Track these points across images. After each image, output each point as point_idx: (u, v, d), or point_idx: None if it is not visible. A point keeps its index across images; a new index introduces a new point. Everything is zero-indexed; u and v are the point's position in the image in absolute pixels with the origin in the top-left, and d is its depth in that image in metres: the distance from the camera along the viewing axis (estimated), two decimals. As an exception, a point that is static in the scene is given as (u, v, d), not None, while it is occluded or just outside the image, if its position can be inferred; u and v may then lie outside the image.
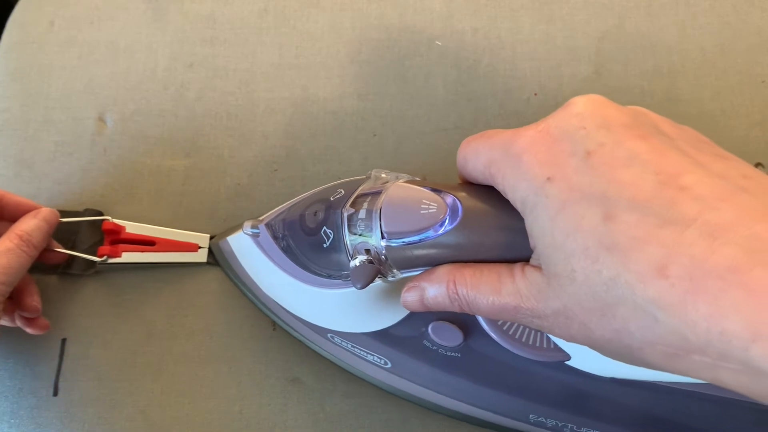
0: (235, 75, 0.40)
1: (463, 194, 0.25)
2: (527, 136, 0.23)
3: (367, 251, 0.26)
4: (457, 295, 0.24)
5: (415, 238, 0.25)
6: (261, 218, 0.33)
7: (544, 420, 0.31)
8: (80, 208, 0.37)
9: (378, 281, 0.27)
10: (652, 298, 0.19)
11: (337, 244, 0.28)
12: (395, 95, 0.40)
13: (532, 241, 0.23)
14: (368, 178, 0.29)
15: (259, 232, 0.32)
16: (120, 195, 0.38)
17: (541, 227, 0.22)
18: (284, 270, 0.31)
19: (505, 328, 0.29)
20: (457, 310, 0.25)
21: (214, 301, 0.36)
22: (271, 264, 0.32)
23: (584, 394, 0.30)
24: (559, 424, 0.31)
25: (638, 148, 0.21)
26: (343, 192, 0.29)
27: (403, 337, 0.31)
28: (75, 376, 0.35)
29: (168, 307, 0.36)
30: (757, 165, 0.38)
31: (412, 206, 0.25)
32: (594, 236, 0.20)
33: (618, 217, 0.20)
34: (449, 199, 0.25)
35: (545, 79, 0.40)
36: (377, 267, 0.26)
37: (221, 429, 0.34)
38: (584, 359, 0.29)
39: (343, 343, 0.32)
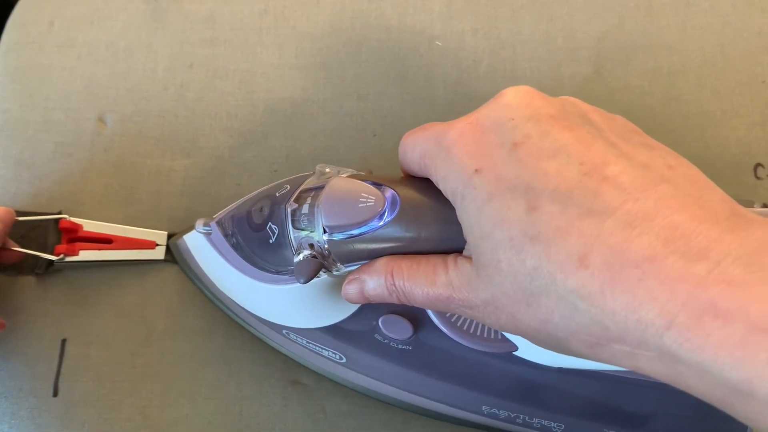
0: (234, 75, 0.40)
1: (402, 187, 0.25)
2: (458, 128, 0.23)
3: (311, 246, 0.26)
4: (395, 286, 0.25)
5: (356, 231, 0.25)
6: (214, 216, 0.33)
7: (497, 411, 0.31)
8: (80, 209, 0.37)
9: (324, 276, 0.27)
10: (572, 288, 0.19)
11: (283, 239, 0.28)
12: (395, 96, 0.40)
13: (462, 232, 0.23)
14: (314, 173, 0.29)
15: (211, 230, 0.33)
16: (120, 195, 0.38)
17: (469, 218, 0.22)
18: (236, 267, 0.32)
19: (453, 320, 0.30)
20: (395, 301, 0.25)
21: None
22: (223, 261, 0.32)
23: (533, 384, 0.30)
24: (512, 415, 0.31)
25: (564, 139, 0.21)
26: (288, 187, 0.29)
27: (355, 332, 0.32)
28: (75, 377, 0.35)
29: (167, 308, 0.36)
30: (757, 165, 0.38)
31: (350, 200, 0.25)
32: (518, 227, 0.20)
33: (541, 208, 0.20)
34: (388, 192, 0.25)
35: (545, 79, 0.40)
36: (320, 261, 0.26)
37: (221, 430, 0.34)
38: (531, 349, 0.29)
39: (298, 339, 0.32)
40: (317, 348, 0.32)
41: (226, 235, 0.32)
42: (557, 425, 0.31)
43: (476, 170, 0.22)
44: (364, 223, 0.25)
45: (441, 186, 0.23)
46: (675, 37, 0.41)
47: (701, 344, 0.17)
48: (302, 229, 0.26)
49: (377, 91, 0.40)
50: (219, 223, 0.32)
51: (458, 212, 0.23)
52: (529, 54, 0.40)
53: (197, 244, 0.34)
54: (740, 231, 0.18)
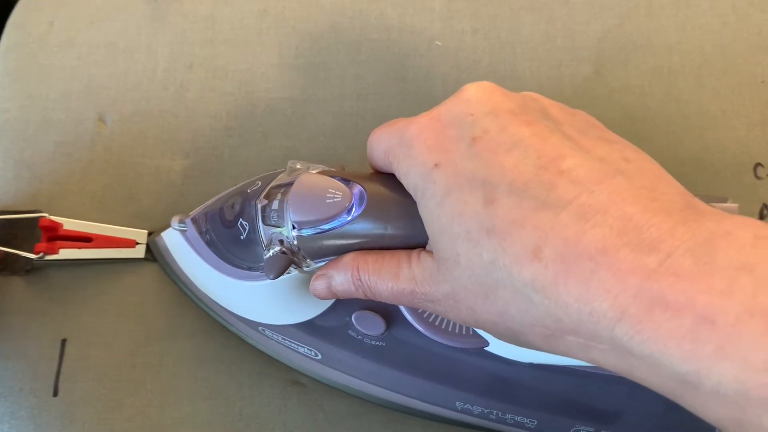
0: (234, 75, 0.40)
1: (369, 183, 0.25)
2: (419, 123, 0.23)
3: (281, 242, 0.26)
4: (360, 281, 0.25)
5: (324, 226, 0.25)
6: (190, 213, 0.33)
7: (470, 407, 0.31)
8: (80, 209, 0.37)
9: (294, 272, 0.27)
10: (527, 281, 0.19)
11: (254, 235, 0.28)
12: (395, 95, 0.40)
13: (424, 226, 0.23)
14: (285, 170, 0.29)
15: (186, 227, 0.33)
16: (119, 195, 0.38)
17: (429, 213, 0.22)
18: (210, 264, 0.32)
19: (425, 316, 0.30)
20: (362, 296, 0.26)
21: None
22: (198, 259, 0.32)
23: (505, 380, 0.30)
24: (485, 411, 0.31)
25: (521, 134, 0.21)
26: (260, 184, 0.29)
27: (329, 328, 0.32)
28: (75, 377, 0.35)
29: (168, 309, 0.36)
30: (757, 165, 0.38)
31: (318, 195, 0.25)
32: (475, 220, 0.21)
33: (498, 201, 0.20)
34: (356, 188, 0.25)
35: (545, 79, 0.40)
36: (290, 257, 0.26)
37: (221, 430, 0.34)
38: (501, 345, 0.29)
39: (274, 335, 0.32)
40: (293, 345, 0.32)
41: (200, 232, 0.32)
42: (530, 421, 0.31)
43: (435, 165, 0.22)
44: (332, 218, 0.25)
45: (403, 181, 0.24)
46: (675, 37, 0.41)
47: (651, 336, 0.17)
48: (272, 225, 0.27)
49: (377, 91, 0.40)
50: (194, 220, 0.32)
51: (419, 207, 0.23)
52: (529, 54, 0.40)
53: (174, 241, 0.34)
54: (692, 222, 0.18)
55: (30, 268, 0.36)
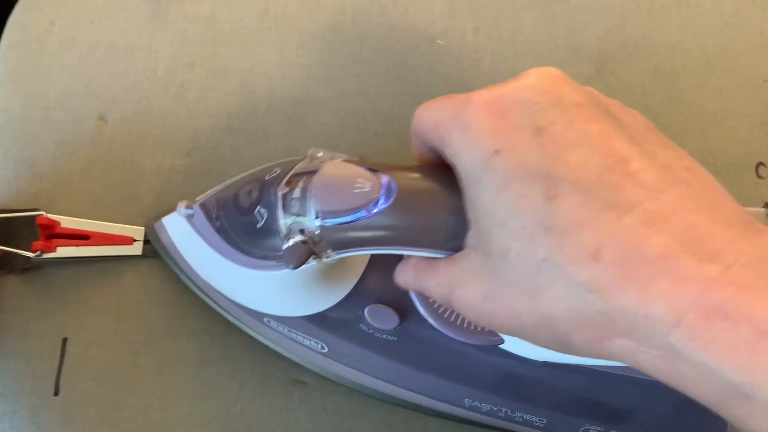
0: (235, 75, 0.40)
1: (399, 174, 0.24)
2: (478, 102, 0.22)
3: (302, 231, 0.25)
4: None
5: (349, 218, 0.24)
6: (197, 198, 0.32)
7: (479, 405, 0.31)
8: (81, 208, 0.37)
9: (313, 262, 0.26)
10: (582, 281, 0.19)
11: (271, 224, 0.27)
12: (396, 95, 0.40)
13: (471, 215, 0.22)
14: (305, 157, 0.28)
15: (193, 213, 0.31)
16: (120, 195, 0.38)
17: (483, 202, 0.21)
18: (218, 251, 0.30)
19: (440, 311, 0.29)
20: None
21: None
22: (205, 246, 0.31)
23: (518, 378, 0.30)
24: (494, 409, 0.31)
25: (589, 130, 0.21)
26: (279, 171, 0.28)
27: (340, 320, 0.31)
28: (75, 376, 0.35)
29: (169, 307, 0.36)
30: (759, 164, 0.38)
31: (345, 185, 0.24)
32: (534, 216, 0.20)
33: (560, 198, 0.20)
34: (384, 178, 0.24)
35: (546, 78, 0.40)
36: (310, 247, 0.25)
37: (222, 429, 0.34)
38: (517, 343, 0.29)
39: (279, 327, 0.32)
40: (298, 337, 0.32)
41: (210, 218, 0.31)
42: (539, 419, 0.31)
43: (496, 151, 0.21)
44: (359, 209, 0.24)
45: (455, 161, 0.23)
46: (676, 37, 0.41)
47: (706, 344, 0.17)
48: (293, 214, 0.25)
49: (378, 90, 0.40)
50: (203, 206, 0.31)
51: (470, 193, 0.22)
52: (531, 53, 0.40)
53: (178, 227, 0.33)
54: (752, 237, 0.18)
55: (28, 267, 0.36)
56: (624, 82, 0.40)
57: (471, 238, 0.23)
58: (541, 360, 0.29)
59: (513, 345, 0.29)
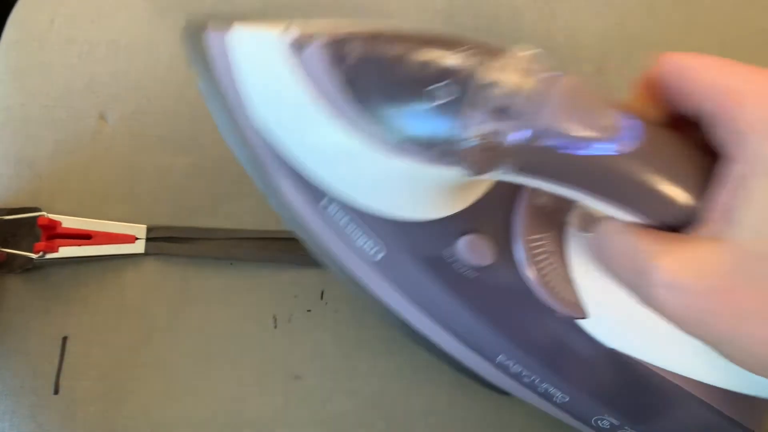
0: (236, 73, 0.40)
1: (648, 121, 0.21)
2: None
3: (495, 134, 0.21)
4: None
5: (579, 149, 0.21)
6: (309, 29, 0.25)
7: (510, 364, 0.28)
8: (81, 207, 0.37)
9: (454, 169, 0.22)
10: None
11: (452, 113, 0.22)
12: (397, 94, 0.40)
13: (725, 200, 0.20)
14: (504, 51, 0.22)
15: (302, 45, 0.25)
16: (121, 193, 0.38)
17: (763, 194, 0.19)
18: (333, 105, 0.23)
19: (544, 271, 0.26)
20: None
21: (215, 298, 0.36)
22: (304, 93, 0.24)
23: (573, 353, 0.27)
24: (523, 372, 0.28)
25: None
26: (474, 53, 0.22)
27: (422, 236, 0.26)
28: (76, 375, 0.35)
29: (169, 305, 0.36)
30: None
31: (589, 110, 0.21)
32: None
33: None
34: (630, 119, 0.21)
35: (547, 77, 0.40)
36: (496, 156, 0.21)
37: (222, 427, 0.34)
38: (598, 324, 0.26)
39: (337, 214, 0.26)
40: (356, 232, 0.26)
41: (339, 62, 0.23)
42: (563, 396, 0.28)
43: None
44: (595, 141, 0.21)
45: (730, 137, 0.20)
46: (677, 36, 0.41)
47: None
48: (495, 112, 0.21)
49: (379, 89, 0.40)
50: (331, 44, 0.24)
51: (750, 182, 0.19)
52: (531, 52, 0.40)
53: (255, 51, 0.26)
54: None
55: (30, 267, 0.36)
56: (624, 81, 0.40)
57: (720, 225, 0.20)
58: (611, 347, 0.27)
59: (592, 324, 0.27)
